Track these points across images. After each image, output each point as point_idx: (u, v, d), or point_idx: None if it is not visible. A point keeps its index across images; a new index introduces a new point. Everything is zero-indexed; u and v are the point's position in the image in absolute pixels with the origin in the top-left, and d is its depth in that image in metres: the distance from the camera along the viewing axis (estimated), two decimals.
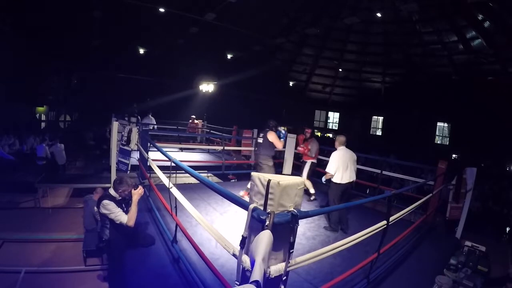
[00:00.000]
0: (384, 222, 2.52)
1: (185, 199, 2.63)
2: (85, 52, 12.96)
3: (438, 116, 17.30)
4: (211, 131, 11.09)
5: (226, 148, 7.56)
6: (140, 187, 2.95)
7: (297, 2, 13.99)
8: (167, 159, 3.12)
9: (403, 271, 3.04)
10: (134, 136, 6.00)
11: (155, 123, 9.96)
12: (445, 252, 3.62)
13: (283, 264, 1.57)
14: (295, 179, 1.71)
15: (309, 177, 5.23)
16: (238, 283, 1.55)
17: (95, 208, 3.11)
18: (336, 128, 22.62)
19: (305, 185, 4.37)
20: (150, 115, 9.80)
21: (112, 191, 2.94)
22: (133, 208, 2.83)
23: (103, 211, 2.78)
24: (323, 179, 4.21)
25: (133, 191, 2.91)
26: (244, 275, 1.54)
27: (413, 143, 16.31)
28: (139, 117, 9.50)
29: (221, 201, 4.46)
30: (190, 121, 11.75)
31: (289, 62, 19.95)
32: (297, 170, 6.00)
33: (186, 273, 2.51)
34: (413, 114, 17.14)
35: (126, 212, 2.88)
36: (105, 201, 2.81)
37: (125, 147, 6.09)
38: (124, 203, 2.98)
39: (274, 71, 18.77)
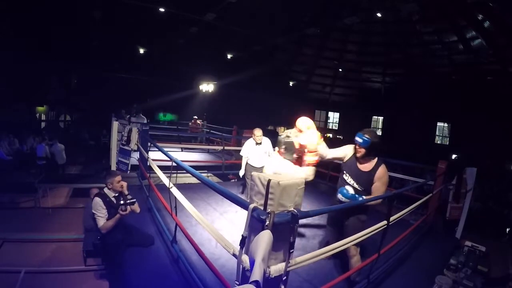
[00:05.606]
0: (385, 222, 2.52)
1: (185, 199, 2.63)
2: (85, 52, 12.97)
3: (438, 116, 17.28)
4: (211, 131, 11.09)
5: (226, 148, 7.56)
6: (128, 208, 2.92)
7: (297, 2, 13.98)
8: (167, 159, 3.11)
9: (403, 271, 3.04)
10: (134, 136, 6.00)
11: (145, 122, 10.10)
12: (445, 252, 3.61)
13: (283, 264, 1.57)
14: (295, 179, 1.71)
15: None
16: (238, 283, 1.55)
17: None
18: (336, 128, 22.61)
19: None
20: (141, 114, 9.93)
21: (106, 189, 3.01)
22: (111, 222, 2.85)
23: (92, 209, 2.86)
24: None
25: (120, 211, 2.90)
26: (244, 275, 1.54)
27: (413, 143, 16.30)
28: (136, 115, 9.61)
29: (221, 201, 4.45)
30: (192, 121, 11.75)
31: (289, 62, 19.92)
32: None
33: (186, 273, 2.50)
34: (413, 114, 17.12)
35: (120, 208, 2.91)
36: (96, 199, 2.88)
37: (125, 147, 6.09)
38: (122, 197, 3.02)
39: (274, 71, 18.75)
